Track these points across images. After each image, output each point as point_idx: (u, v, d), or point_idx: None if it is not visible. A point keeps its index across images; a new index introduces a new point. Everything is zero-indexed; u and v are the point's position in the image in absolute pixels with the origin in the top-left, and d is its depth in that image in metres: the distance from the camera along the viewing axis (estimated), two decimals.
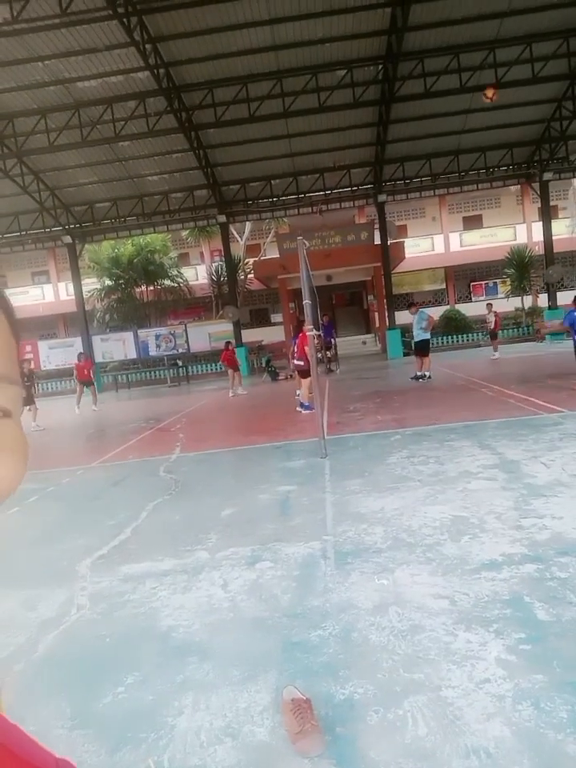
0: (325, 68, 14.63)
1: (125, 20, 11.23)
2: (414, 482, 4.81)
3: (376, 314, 25.22)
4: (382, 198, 19.43)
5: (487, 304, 16.23)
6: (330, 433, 7.16)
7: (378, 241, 20.95)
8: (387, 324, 20.40)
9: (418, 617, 2.67)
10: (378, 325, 25.02)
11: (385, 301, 20.44)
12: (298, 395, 9.74)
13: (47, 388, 22.48)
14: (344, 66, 14.62)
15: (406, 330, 18.32)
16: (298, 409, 9.60)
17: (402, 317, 18.80)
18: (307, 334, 9.06)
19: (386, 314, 20.49)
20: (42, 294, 30.23)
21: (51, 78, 13.93)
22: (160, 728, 2.14)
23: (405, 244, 23.30)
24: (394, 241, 21.88)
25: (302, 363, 9.49)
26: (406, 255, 22.94)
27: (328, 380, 13.95)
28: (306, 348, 9.07)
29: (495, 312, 15.83)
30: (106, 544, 4.14)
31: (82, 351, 16.48)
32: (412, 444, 6.22)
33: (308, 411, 9.11)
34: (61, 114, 15.20)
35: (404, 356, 19.20)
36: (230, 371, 14.30)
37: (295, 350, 9.84)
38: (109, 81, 14.31)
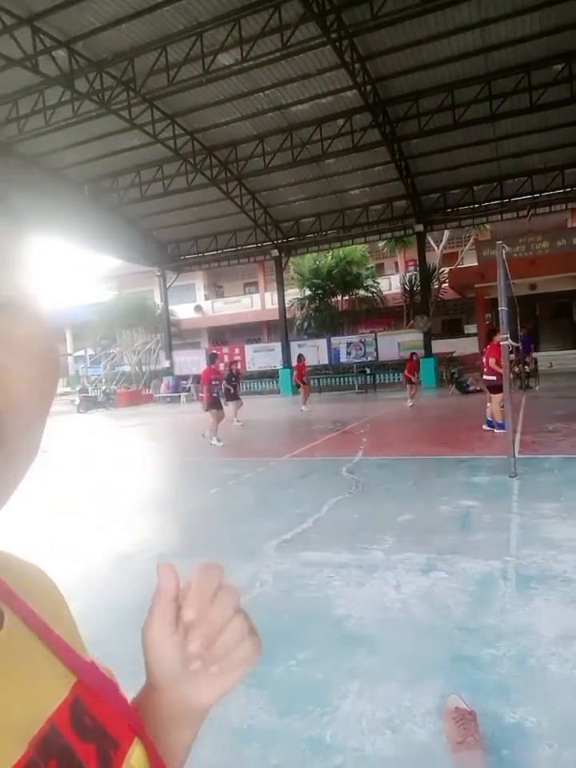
0: (539, 65, 13.61)
1: (337, 44, 11.87)
2: None
3: None
4: None
5: None
6: (523, 452, 6.67)
7: None
8: None
9: None
10: None
11: None
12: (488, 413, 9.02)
13: (250, 388, 24.53)
14: (562, 59, 13.42)
15: None
16: (485, 427, 8.89)
17: None
18: (497, 343, 8.54)
19: None
20: (251, 302, 33.23)
21: (269, 105, 15.31)
22: (326, 705, 2.29)
23: None
24: None
25: (494, 378, 8.67)
26: None
27: (524, 397, 12.89)
28: (492, 360, 8.50)
29: None
30: (290, 530, 4.48)
31: (301, 354, 17.06)
32: None
33: (500, 431, 8.32)
34: (275, 138, 16.59)
35: None
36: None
37: (484, 361, 9.02)
38: (319, 102, 15.21)
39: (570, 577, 3.21)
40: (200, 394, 10.05)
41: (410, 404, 13.75)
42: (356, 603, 3.15)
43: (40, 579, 0.47)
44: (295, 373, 15.84)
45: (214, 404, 9.85)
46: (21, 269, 0.33)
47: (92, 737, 0.37)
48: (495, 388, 8.57)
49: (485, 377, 8.98)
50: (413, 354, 14.98)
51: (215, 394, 10.04)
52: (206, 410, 10.05)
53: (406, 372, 14.41)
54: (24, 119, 13.92)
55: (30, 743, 0.33)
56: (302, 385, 15.37)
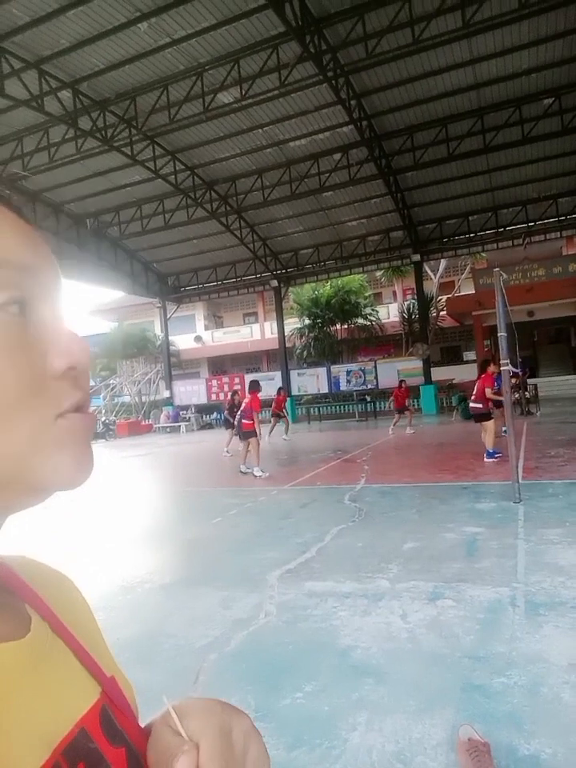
0: (530, 99, 14.05)
1: (333, 82, 12.26)
2: None
3: None
4: None
5: None
6: (526, 477, 6.63)
7: None
8: None
9: None
10: None
11: None
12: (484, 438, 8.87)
13: None
14: (551, 94, 13.87)
15: None
16: (487, 459, 8.49)
17: None
18: (491, 373, 8.53)
19: None
20: (251, 332, 33.46)
21: (268, 141, 15.72)
22: (334, 738, 2.22)
23: None
24: None
25: (480, 406, 8.51)
26: None
27: (525, 422, 12.87)
28: (487, 389, 8.44)
29: None
30: (293, 559, 4.42)
31: (281, 386, 17.69)
32: None
33: (493, 459, 8.30)
34: (274, 172, 16.98)
35: None
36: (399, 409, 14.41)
37: (475, 390, 8.76)
38: (316, 138, 15.62)
39: None
40: (244, 421, 9.64)
41: (410, 431, 13.89)
42: (362, 633, 3.09)
43: (67, 588, 0.47)
44: (274, 404, 15.94)
45: (254, 432, 9.39)
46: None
47: (121, 741, 0.37)
48: (482, 417, 8.55)
49: (472, 404, 8.88)
50: (401, 381, 15.01)
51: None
52: (245, 439, 9.53)
53: (398, 401, 14.38)
54: (28, 156, 14.28)
55: (54, 749, 0.32)
56: (281, 416, 15.57)
